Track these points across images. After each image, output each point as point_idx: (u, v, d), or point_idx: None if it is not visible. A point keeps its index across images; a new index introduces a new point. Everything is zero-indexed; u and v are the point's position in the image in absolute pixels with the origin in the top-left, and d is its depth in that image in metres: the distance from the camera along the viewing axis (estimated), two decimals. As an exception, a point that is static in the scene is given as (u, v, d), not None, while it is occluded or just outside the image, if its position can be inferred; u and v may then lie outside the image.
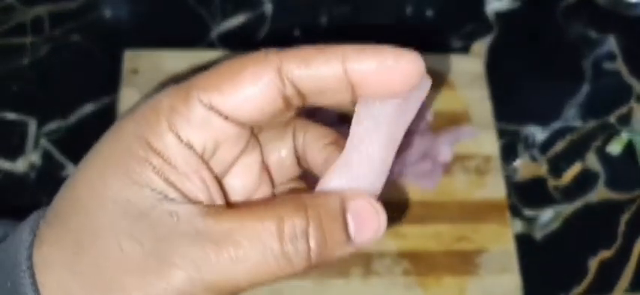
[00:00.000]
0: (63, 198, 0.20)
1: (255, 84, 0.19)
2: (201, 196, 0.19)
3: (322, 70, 0.19)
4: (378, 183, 0.21)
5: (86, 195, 0.19)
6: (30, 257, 0.19)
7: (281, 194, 0.23)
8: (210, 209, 0.19)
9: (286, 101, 0.19)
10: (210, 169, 0.20)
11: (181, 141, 0.19)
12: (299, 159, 0.23)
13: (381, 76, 0.19)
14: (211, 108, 0.19)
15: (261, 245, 0.18)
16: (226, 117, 0.19)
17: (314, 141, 0.22)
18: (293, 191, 0.23)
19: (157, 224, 0.18)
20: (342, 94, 0.19)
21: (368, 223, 0.20)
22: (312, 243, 0.18)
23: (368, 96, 0.19)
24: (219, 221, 0.18)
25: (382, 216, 0.20)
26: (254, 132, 0.21)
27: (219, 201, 0.20)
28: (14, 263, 0.19)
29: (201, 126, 0.19)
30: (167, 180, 0.19)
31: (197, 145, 0.19)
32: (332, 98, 0.20)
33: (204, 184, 0.19)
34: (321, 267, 0.19)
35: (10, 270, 0.19)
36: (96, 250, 0.18)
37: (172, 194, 0.19)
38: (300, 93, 0.19)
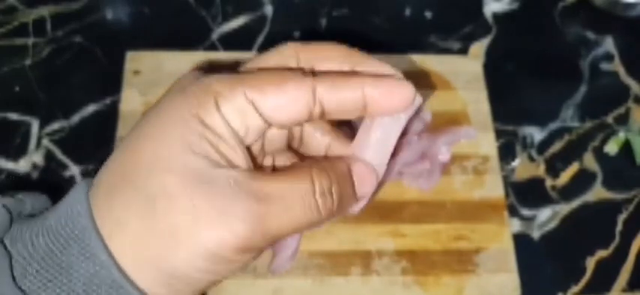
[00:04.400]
0: (124, 162, 0.23)
1: (294, 99, 0.23)
2: (243, 164, 0.23)
3: (346, 95, 0.24)
4: (382, 167, 0.27)
5: (151, 160, 0.22)
6: (91, 217, 0.22)
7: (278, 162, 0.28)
8: (254, 173, 0.23)
9: (310, 115, 0.24)
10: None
11: (225, 120, 0.23)
12: (289, 140, 0.28)
13: (387, 101, 0.24)
14: (252, 103, 0.23)
15: (301, 199, 0.23)
16: (260, 114, 0.23)
17: (313, 130, 0.27)
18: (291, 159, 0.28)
19: (216, 186, 0.22)
20: (355, 113, 0.25)
21: (366, 180, 0.25)
22: (335, 197, 0.24)
23: (375, 114, 0.25)
24: (268, 183, 0.23)
25: (374, 176, 0.26)
26: None
27: (251, 167, 0.24)
28: (77, 223, 0.22)
29: (240, 113, 0.23)
30: (218, 151, 0.23)
31: (234, 126, 0.23)
32: (346, 115, 0.25)
33: (244, 154, 0.23)
34: (336, 216, 0.25)
35: (74, 230, 0.22)
36: (168, 206, 0.22)
37: (223, 162, 0.23)
38: (322, 110, 0.24)
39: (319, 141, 0.27)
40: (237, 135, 0.23)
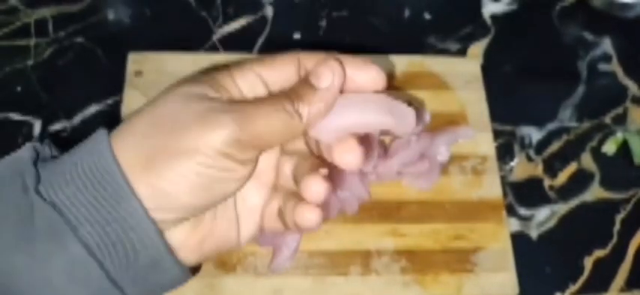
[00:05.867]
0: (143, 117, 0.29)
1: (287, 63, 0.30)
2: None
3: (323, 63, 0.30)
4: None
5: (163, 93, 0.29)
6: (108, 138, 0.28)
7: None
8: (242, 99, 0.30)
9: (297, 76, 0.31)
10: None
11: (236, 83, 0.30)
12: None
13: (357, 76, 0.30)
14: (259, 75, 0.30)
15: (275, 110, 0.28)
16: (265, 85, 0.30)
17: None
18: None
19: (212, 102, 0.28)
20: None
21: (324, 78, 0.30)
22: (305, 103, 0.29)
23: (352, 88, 0.31)
24: (250, 101, 0.29)
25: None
26: None
27: None
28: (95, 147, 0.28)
29: (249, 83, 0.30)
30: (230, 97, 0.29)
31: (245, 92, 0.30)
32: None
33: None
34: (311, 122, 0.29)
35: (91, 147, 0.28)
36: (171, 117, 0.28)
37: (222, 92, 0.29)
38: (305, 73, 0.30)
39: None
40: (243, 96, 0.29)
